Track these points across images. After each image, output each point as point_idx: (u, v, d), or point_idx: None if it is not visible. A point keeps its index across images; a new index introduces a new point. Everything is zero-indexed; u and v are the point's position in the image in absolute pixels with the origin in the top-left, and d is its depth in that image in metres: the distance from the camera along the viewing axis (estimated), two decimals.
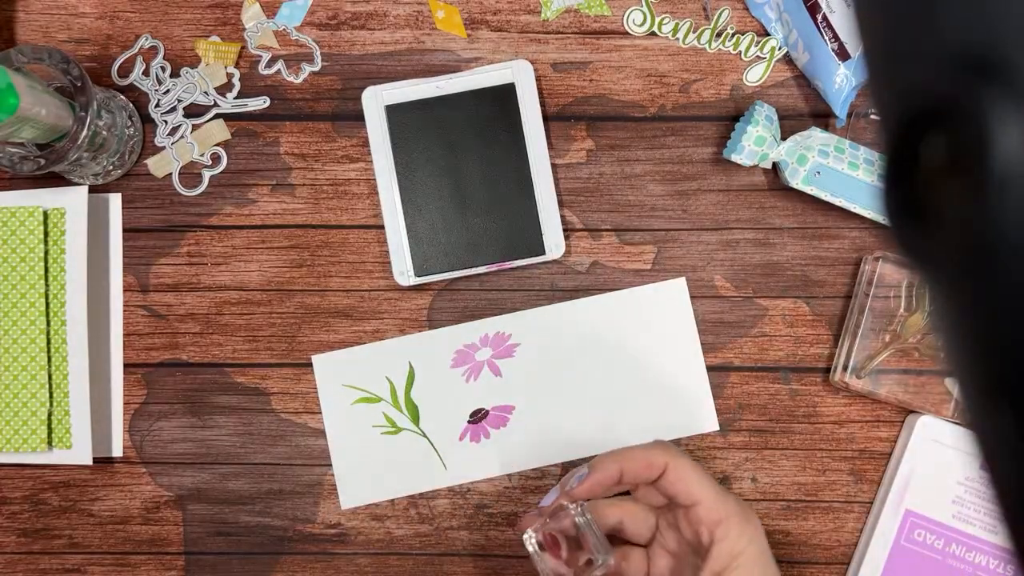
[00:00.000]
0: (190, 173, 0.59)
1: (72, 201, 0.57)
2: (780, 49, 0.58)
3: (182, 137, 0.59)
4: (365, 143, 0.59)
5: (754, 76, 0.59)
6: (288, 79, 0.59)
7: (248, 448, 0.59)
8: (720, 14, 0.59)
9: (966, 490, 0.56)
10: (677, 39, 0.59)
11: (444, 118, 0.58)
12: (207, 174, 0.59)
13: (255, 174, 0.59)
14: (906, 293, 0.56)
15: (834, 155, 0.55)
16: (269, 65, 0.59)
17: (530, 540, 0.47)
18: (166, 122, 0.59)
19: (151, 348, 0.59)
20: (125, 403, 0.59)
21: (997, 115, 0.17)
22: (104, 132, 0.55)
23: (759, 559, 0.47)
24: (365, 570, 0.59)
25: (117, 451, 0.59)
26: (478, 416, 0.59)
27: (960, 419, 0.55)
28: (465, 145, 0.58)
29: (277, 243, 0.59)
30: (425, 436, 0.59)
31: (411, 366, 0.59)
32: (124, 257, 0.59)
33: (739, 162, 0.56)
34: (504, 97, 0.58)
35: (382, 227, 0.58)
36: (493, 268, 0.58)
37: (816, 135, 0.56)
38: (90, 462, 0.57)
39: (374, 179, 0.58)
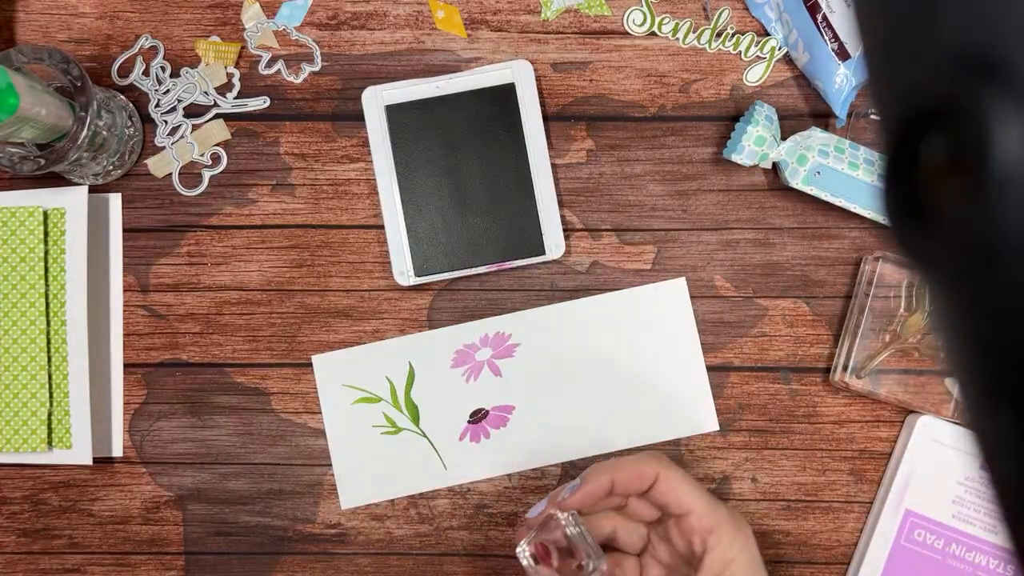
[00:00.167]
0: (190, 173, 0.59)
1: (72, 201, 0.57)
2: (780, 49, 0.58)
3: (182, 137, 0.59)
4: (365, 143, 0.59)
5: (754, 76, 0.59)
6: (288, 79, 0.59)
7: (248, 448, 0.59)
8: (720, 14, 0.59)
9: (966, 490, 0.56)
10: (677, 39, 0.59)
11: (444, 118, 0.58)
12: (207, 174, 0.59)
13: (255, 174, 0.59)
14: (906, 293, 0.56)
15: (834, 155, 0.55)
16: (269, 65, 0.59)
17: (524, 554, 0.47)
18: (166, 122, 0.59)
19: (151, 348, 0.59)
20: (125, 403, 0.59)
21: (997, 115, 0.17)
22: (104, 132, 0.55)
23: (750, 566, 0.47)
24: (365, 570, 0.59)
25: (117, 451, 0.59)
26: (478, 416, 0.59)
27: (960, 419, 0.55)
28: (465, 145, 0.58)
29: (277, 243, 0.59)
30: (425, 436, 0.59)
31: (411, 366, 0.59)
32: (124, 257, 0.59)
33: (739, 162, 0.56)
34: (504, 97, 0.58)
35: (382, 227, 0.58)
36: (493, 268, 0.58)
37: (816, 135, 0.56)
38: (90, 462, 0.57)
39: (374, 179, 0.58)
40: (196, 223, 0.59)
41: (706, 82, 0.59)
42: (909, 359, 0.57)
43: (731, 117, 0.59)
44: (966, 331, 0.20)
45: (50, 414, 0.57)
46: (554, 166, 0.59)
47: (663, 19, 0.59)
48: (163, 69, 0.59)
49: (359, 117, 0.59)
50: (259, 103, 0.59)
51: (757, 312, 0.59)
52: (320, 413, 0.59)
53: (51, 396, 0.57)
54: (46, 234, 0.57)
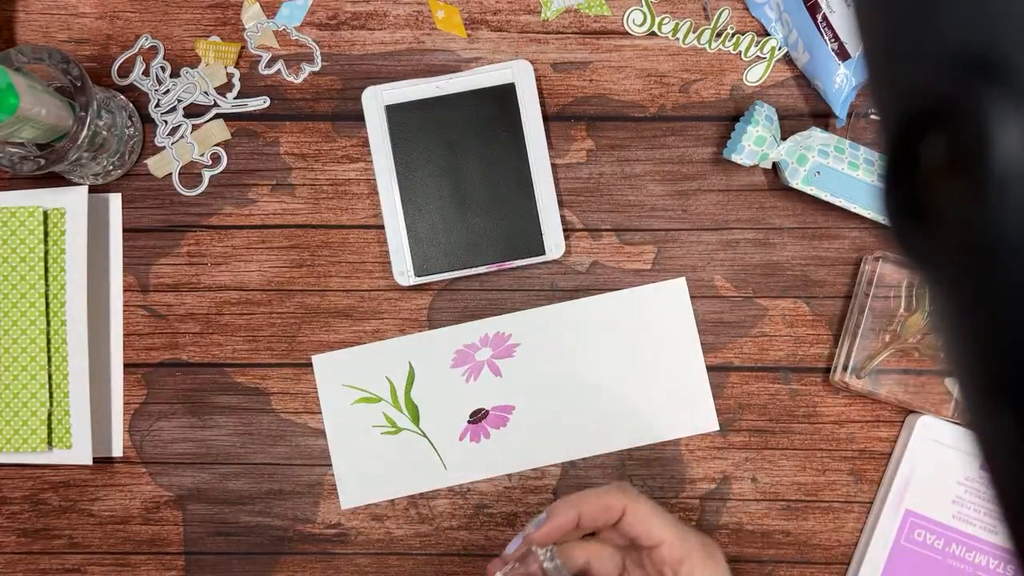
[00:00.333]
0: (190, 173, 0.59)
1: (72, 201, 0.57)
2: (780, 49, 0.58)
3: (182, 137, 0.59)
4: (365, 143, 0.59)
5: (754, 76, 0.59)
6: (288, 79, 0.59)
7: (248, 448, 0.59)
8: (720, 14, 0.59)
9: (966, 490, 0.56)
10: (677, 39, 0.59)
11: (444, 118, 0.58)
12: (207, 174, 0.59)
13: (255, 174, 0.59)
14: (906, 293, 0.56)
15: (834, 155, 0.55)
16: (269, 65, 0.59)
17: None
18: (166, 122, 0.59)
19: (151, 348, 0.59)
20: (125, 403, 0.59)
21: (997, 115, 0.17)
22: (104, 132, 0.55)
23: None
24: (365, 570, 0.59)
25: (117, 451, 0.59)
26: (478, 416, 0.59)
27: (960, 419, 0.55)
28: (465, 145, 0.58)
29: (277, 243, 0.59)
30: (425, 436, 0.59)
31: (411, 366, 0.59)
32: (124, 257, 0.59)
33: (739, 162, 0.56)
34: (504, 97, 0.58)
35: (382, 227, 0.58)
36: (493, 268, 0.58)
37: (816, 135, 0.56)
38: (90, 462, 0.57)
39: (374, 179, 0.58)
40: (196, 223, 0.59)
41: (706, 82, 0.59)
42: (909, 359, 0.57)
43: (731, 117, 0.59)
44: (966, 331, 0.20)
45: (50, 414, 0.57)
46: (554, 166, 0.59)
47: (663, 19, 0.59)
48: (163, 69, 0.59)
49: (359, 117, 0.59)
50: (259, 103, 0.59)
51: (757, 312, 0.59)
52: (320, 413, 0.59)
53: (51, 396, 0.57)
54: (46, 234, 0.57)
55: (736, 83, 0.59)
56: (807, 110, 0.59)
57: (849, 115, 0.57)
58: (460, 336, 0.59)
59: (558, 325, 0.58)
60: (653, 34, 0.59)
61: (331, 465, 0.59)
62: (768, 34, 0.58)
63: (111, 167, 0.58)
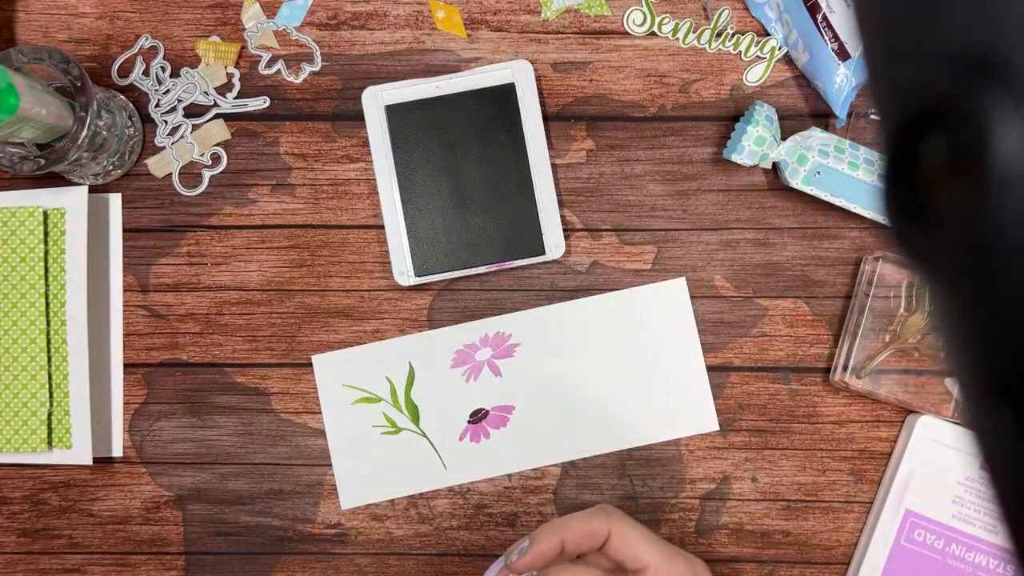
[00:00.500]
0: (190, 173, 0.59)
1: (72, 201, 0.57)
2: (780, 49, 0.58)
3: (182, 137, 0.59)
4: (365, 143, 0.59)
5: (754, 76, 0.59)
6: (288, 79, 0.59)
7: (248, 448, 0.59)
8: (720, 14, 0.59)
9: (966, 490, 0.56)
10: (677, 39, 0.59)
11: (444, 118, 0.58)
12: (207, 174, 0.59)
13: (255, 174, 0.59)
14: (906, 293, 0.56)
15: (834, 155, 0.55)
16: (269, 65, 0.59)
17: None
18: (166, 122, 0.59)
19: (151, 348, 0.59)
20: (125, 403, 0.59)
21: (997, 115, 0.17)
22: (104, 132, 0.55)
23: None
24: (365, 570, 0.59)
25: (117, 451, 0.59)
26: (478, 416, 0.59)
27: (960, 419, 0.55)
28: (465, 145, 0.58)
29: (277, 243, 0.59)
30: (425, 436, 0.59)
31: (411, 366, 0.59)
32: (124, 257, 0.59)
33: (739, 162, 0.56)
34: (504, 97, 0.58)
35: (382, 227, 0.58)
36: (493, 268, 0.58)
37: (816, 135, 0.56)
38: (90, 462, 0.57)
39: (374, 179, 0.58)
40: (196, 223, 0.59)
41: (706, 82, 0.59)
42: (909, 359, 0.57)
43: (731, 117, 0.59)
44: (966, 331, 0.20)
45: (50, 414, 0.57)
46: (554, 166, 0.59)
47: (663, 19, 0.59)
48: (163, 69, 0.59)
49: (359, 117, 0.59)
50: (259, 103, 0.59)
51: (757, 312, 0.59)
52: (320, 413, 0.59)
53: (51, 396, 0.57)
54: (46, 234, 0.57)
55: (736, 83, 0.59)
56: (807, 110, 0.59)
57: (849, 115, 0.57)
58: (460, 336, 0.59)
59: (558, 325, 0.58)
60: (653, 34, 0.59)
61: (331, 465, 0.59)
62: (768, 34, 0.58)
63: (111, 167, 0.58)
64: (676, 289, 0.58)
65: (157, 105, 0.59)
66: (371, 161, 0.58)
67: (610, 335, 0.58)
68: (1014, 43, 0.18)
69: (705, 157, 0.59)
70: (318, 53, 0.59)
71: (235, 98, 0.59)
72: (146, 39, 0.59)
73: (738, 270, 0.59)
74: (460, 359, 0.59)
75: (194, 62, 0.59)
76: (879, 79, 0.22)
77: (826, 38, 0.55)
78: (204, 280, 0.59)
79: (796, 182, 0.55)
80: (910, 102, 0.20)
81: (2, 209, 0.57)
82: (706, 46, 0.59)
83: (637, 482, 0.58)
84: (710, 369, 0.58)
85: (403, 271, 0.57)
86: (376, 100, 0.58)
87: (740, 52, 0.59)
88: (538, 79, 0.59)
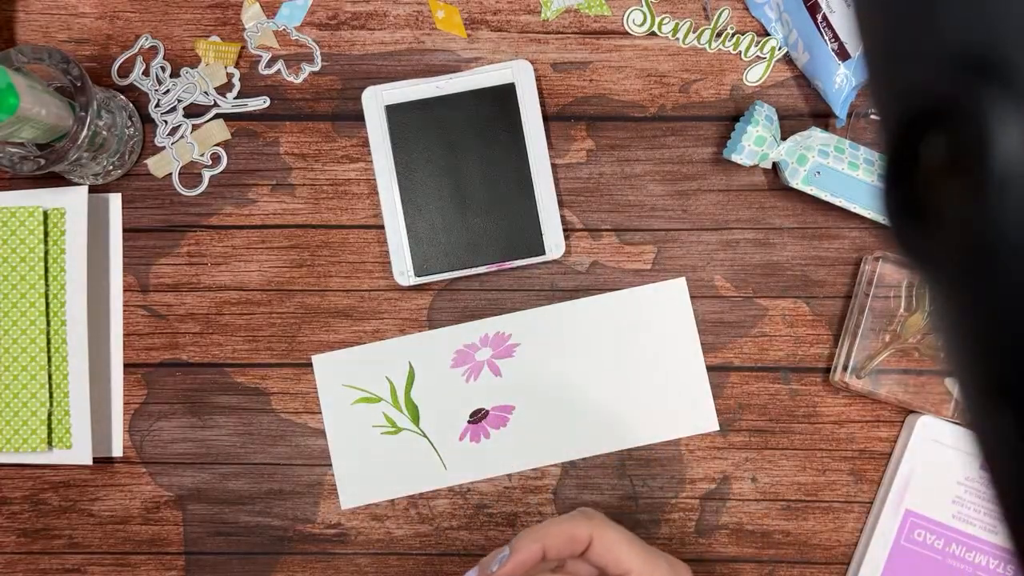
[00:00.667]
0: (190, 173, 0.59)
1: (72, 201, 0.57)
2: (780, 49, 0.58)
3: (182, 137, 0.59)
4: (365, 143, 0.59)
5: (754, 76, 0.59)
6: (288, 79, 0.59)
7: (248, 448, 0.59)
8: (720, 14, 0.59)
9: (966, 490, 0.56)
10: (677, 39, 0.59)
11: (444, 118, 0.58)
12: (207, 174, 0.59)
13: (255, 174, 0.59)
14: (906, 293, 0.56)
15: (834, 155, 0.55)
16: (269, 65, 0.59)
17: None
18: (166, 122, 0.59)
19: (151, 348, 0.59)
20: (125, 403, 0.59)
21: (997, 115, 0.17)
22: (104, 132, 0.55)
23: None
24: (365, 570, 0.59)
25: (117, 451, 0.59)
26: (478, 416, 0.59)
27: (960, 419, 0.55)
28: (465, 145, 0.58)
29: (277, 243, 0.59)
30: (425, 436, 0.59)
31: (411, 366, 0.59)
32: (124, 257, 0.59)
33: (739, 162, 0.56)
34: (504, 97, 0.58)
35: (382, 227, 0.58)
36: (493, 268, 0.58)
37: (816, 135, 0.56)
38: (90, 462, 0.57)
39: (374, 179, 0.58)
40: (196, 223, 0.59)
41: (706, 82, 0.59)
42: (909, 359, 0.57)
43: (731, 117, 0.59)
44: (966, 331, 0.20)
45: (50, 414, 0.57)
46: (554, 166, 0.59)
47: (663, 19, 0.59)
48: (163, 69, 0.59)
49: (359, 117, 0.59)
50: (259, 103, 0.59)
51: (757, 312, 0.59)
52: (320, 413, 0.59)
53: (51, 396, 0.57)
54: (46, 234, 0.57)
55: (736, 83, 0.59)
56: (807, 110, 0.59)
57: (849, 115, 0.57)
58: (460, 336, 0.59)
59: (558, 325, 0.58)
60: (653, 34, 0.59)
61: (331, 465, 0.59)
62: (768, 34, 0.58)
63: (111, 167, 0.58)
64: (676, 289, 0.58)
65: (157, 105, 0.59)
66: (371, 161, 0.58)
67: (610, 335, 0.58)
68: (1014, 43, 0.18)
69: (705, 157, 0.59)
70: (318, 53, 0.59)
71: (235, 98, 0.59)
72: (146, 39, 0.59)
73: (738, 270, 0.59)
74: (460, 359, 0.59)
75: (194, 62, 0.59)
76: (879, 79, 0.22)
77: (826, 38, 0.55)
78: (204, 280, 0.59)
79: (796, 182, 0.55)
80: (910, 102, 0.20)
81: (2, 209, 0.57)
82: (706, 46, 0.59)
83: (637, 482, 0.58)
84: (710, 369, 0.58)
85: (403, 271, 0.57)
86: (376, 100, 0.58)
87: (740, 52, 0.59)
88: (538, 79, 0.59)
